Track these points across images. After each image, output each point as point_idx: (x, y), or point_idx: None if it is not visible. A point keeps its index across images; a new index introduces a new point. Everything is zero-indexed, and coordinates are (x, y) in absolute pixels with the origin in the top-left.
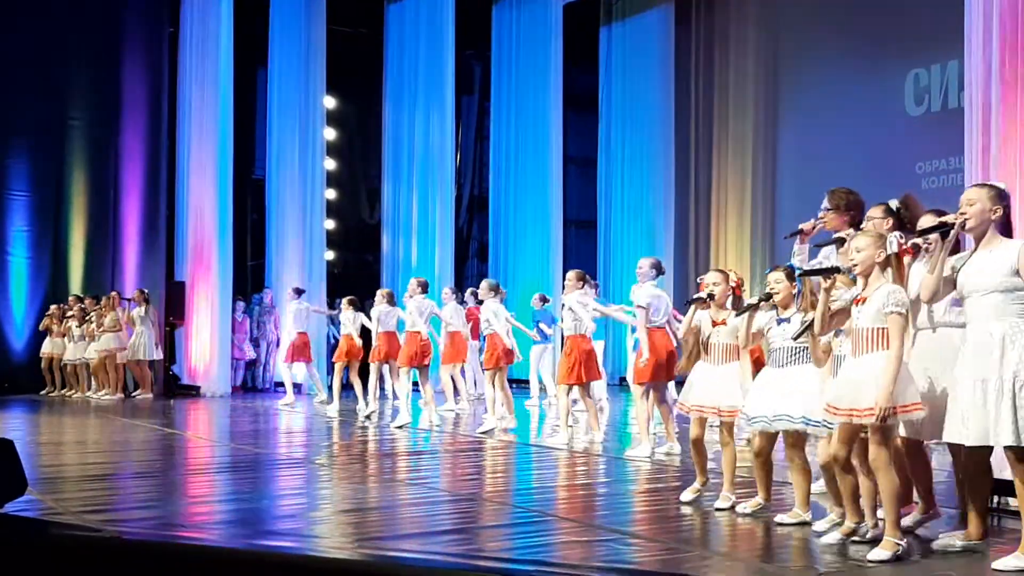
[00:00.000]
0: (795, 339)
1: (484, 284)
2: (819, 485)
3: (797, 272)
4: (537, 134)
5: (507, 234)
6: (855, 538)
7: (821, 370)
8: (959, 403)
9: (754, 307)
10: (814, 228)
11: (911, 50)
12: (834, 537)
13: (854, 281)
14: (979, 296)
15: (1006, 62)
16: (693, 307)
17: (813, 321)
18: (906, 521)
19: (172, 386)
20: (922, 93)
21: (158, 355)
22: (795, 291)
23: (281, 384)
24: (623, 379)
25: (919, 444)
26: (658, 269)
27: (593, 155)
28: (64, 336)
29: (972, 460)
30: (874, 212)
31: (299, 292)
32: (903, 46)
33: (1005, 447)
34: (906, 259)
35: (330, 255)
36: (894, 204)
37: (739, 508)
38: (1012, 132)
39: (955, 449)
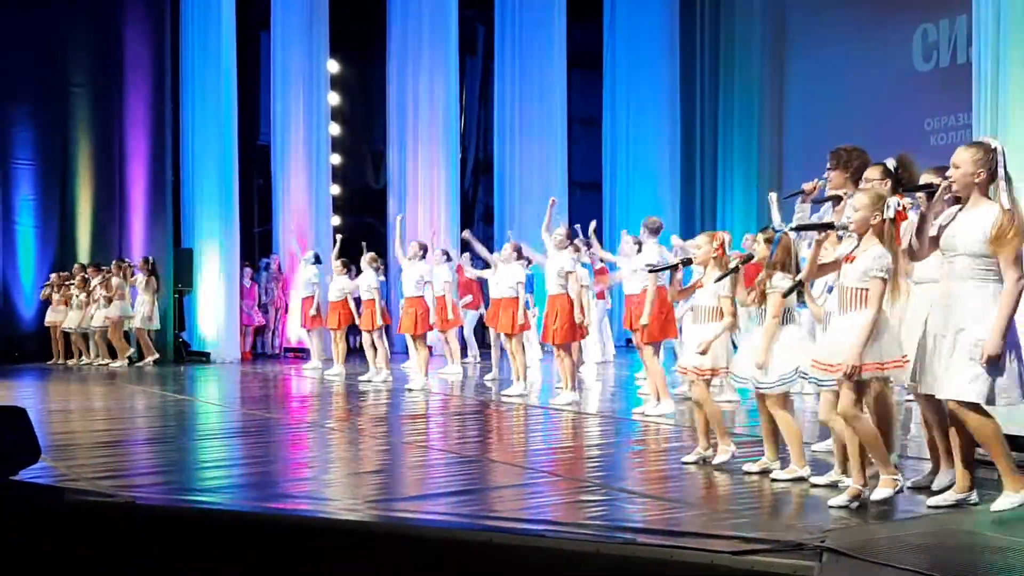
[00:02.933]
0: (784, 296)
1: (507, 247)
2: (826, 444)
3: (781, 230)
4: (541, 94)
5: (512, 197)
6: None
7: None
8: (920, 355)
9: (735, 270)
10: (815, 188)
11: (919, 5)
12: (842, 500)
13: (840, 240)
14: (951, 255)
15: (1014, 17)
16: (672, 273)
17: (800, 278)
18: (917, 481)
19: (182, 353)
20: (930, 49)
21: (155, 324)
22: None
23: (290, 350)
24: (629, 341)
25: (930, 399)
26: (657, 228)
27: (597, 114)
28: (66, 304)
29: (947, 412)
30: (872, 173)
31: (318, 258)
32: (911, 1)
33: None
34: (903, 224)
35: (336, 220)
36: (891, 164)
37: (746, 467)
38: (1020, 87)
39: (922, 401)
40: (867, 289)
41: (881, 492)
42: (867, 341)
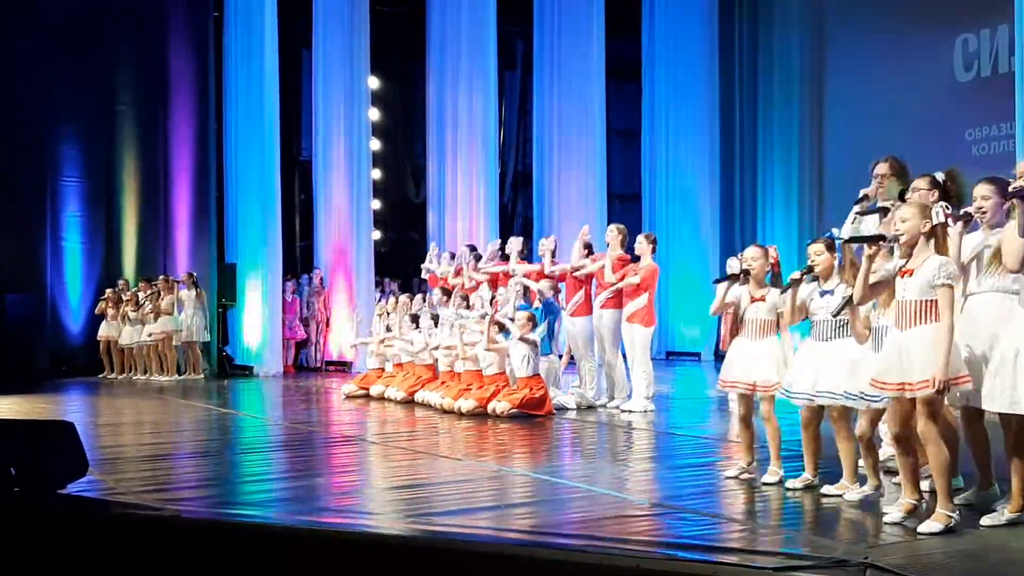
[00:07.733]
0: (835, 315)
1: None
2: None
3: (839, 239)
4: (580, 107)
5: (551, 209)
6: (915, 516)
7: (863, 344)
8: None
9: (796, 282)
10: (877, 191)
11: (960, 15)
12: (896, 516)
13: (891, 253)
14: None
15: None
16: (725, 284)
17: (852, 295)
18: (966, 497)
19: (226, 366)
20: (971, 58)
21: (206, 337)
22: (836, 261)
23: (332, 363)
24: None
25: (980, 415)
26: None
27: (636, 126)
28: (121, 319)
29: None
30: (920, 183)
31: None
32: (951, 11)
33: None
34: (951, 229)
35: (377, 234)
36: (940, 176)
37: (788, 484)
38: None
39: (1006, 420)
40: (931, 300)
41: (932, 525)
42: (948, 352)
